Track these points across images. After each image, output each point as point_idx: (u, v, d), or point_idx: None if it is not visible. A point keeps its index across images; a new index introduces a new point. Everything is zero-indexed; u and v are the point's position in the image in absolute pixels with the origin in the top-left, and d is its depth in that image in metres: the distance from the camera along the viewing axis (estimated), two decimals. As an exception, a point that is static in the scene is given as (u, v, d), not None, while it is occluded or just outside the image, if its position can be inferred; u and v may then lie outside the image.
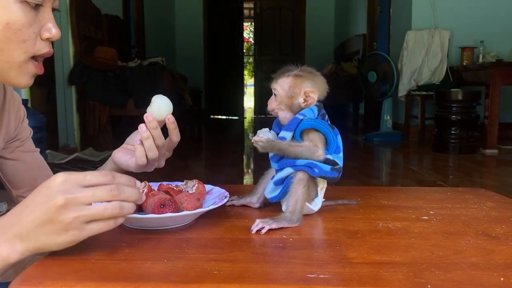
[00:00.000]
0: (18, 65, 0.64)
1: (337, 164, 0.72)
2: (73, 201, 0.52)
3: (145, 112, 0.71)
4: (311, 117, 0.71)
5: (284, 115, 0.74)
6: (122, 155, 0.79)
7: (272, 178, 0.75)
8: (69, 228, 0.52)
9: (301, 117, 0.71)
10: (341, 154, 0.73)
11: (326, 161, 0.71)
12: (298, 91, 0.72)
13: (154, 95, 0.74)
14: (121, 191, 0.54)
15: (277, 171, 0.74)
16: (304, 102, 0.72)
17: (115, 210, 0.54)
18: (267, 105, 0.75)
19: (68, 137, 4.03)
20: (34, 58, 0.66)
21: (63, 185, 0.52)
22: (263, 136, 0.71)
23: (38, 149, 0.92)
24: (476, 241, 0.62)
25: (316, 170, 0.70)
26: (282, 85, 0.73)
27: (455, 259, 0.55)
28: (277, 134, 0.74)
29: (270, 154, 0.74)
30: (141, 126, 0.71)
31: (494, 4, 4.92)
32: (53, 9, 0.67)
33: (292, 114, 0.73)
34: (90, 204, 0.53)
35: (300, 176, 0.70)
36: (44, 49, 0.66)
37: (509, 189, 2.71)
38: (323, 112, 0.73)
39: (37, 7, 0.63)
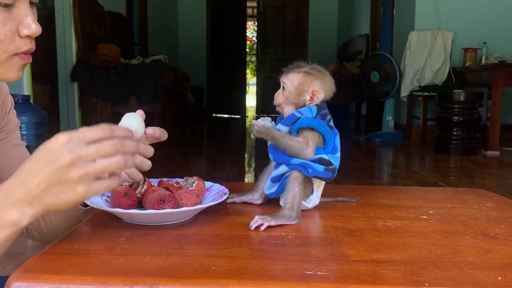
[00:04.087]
0: (2, 63, 0.63)
1: (331, 164, 0.72)
2: (79, 160, 0.51)
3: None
4: (308, 116, 0.72)
5: (289, 110, 0.74)
6: None
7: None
8: (77, 186, 0.52)
9: (298, 114, 0.72)
10: (337, 154, 0.73)
11: (321, 161, 0.71)
12: (307, 88, 0.73)
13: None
14: (123, 145, 0.54)
15: (275, 166, 0.75)
16: (309, 100, 0.73)
17: (119, 164, 0.53)
18: (273, 99, 0.75)
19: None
20: (17, 54, 0.64)
21: (67, 145, 0.52)
22: (261, 121, 0.72)
23: (24, 143, 0.88)
24: (474, 240, 0.62)
25: (310, 170, 0.71)
26: (291, 81, 0.73)
27: (453, 258, 0.55)
28: None
29: (269, 142, 0.74)
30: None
31: (498, 6, 4.91)
32: (32, 3, 0.64)
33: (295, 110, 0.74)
34: (95, 160, 0.52)
35: (295, 174, 0.71)
36: (25, 46, 0.64)
37: (510, 191, 2.70)
38: (324, 112, 0.73)
39: (8, 6, 0.61)
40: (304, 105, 0.73)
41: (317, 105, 0.73)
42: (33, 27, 0.63)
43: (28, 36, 0.64)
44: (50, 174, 0.52)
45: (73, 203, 0.53)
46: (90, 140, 0.53)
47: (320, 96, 0.72)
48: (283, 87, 0.74)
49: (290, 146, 0.70)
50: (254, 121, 0.72)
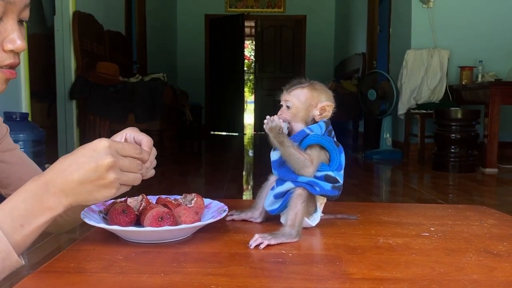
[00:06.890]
0: None
1: (338, 181, 0.71)
2: (117, 165, 0.59)
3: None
4: (318, 133, 0.71)
5: (298, 128, 0.73)
6: None
7: (272, 189, 0.74)
8: (111, 186, 0.59)
9: (308, 131, 0.71)
10: (342, 172, 0.73)
11: (327, 178, 0.70)
12: (314, 103, 0.72)
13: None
14: (143, 168, 0.64)
15: (277, 183, 0.73)
16: (319, 115, 0.72)
17: (139, 181, 0.64)
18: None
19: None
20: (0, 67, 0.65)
21: (109, 150, 0.59)
22: (282, 122, 0.69)
23: (17, 146, 0.89)
24: (477, 258, 0.61)
25: (317, 189, 0.70)
26: (298, 97, 0.72)
27: (457, 276, 0.54)
28: None
29: (272, 158, 0.73)
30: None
31: (493, 24, 4.98)
32: (21, 21, 0.66)
33: (304, 126, 0.72)
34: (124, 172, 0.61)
35: (299, 191, 0.70)
36: (8, 60, 0.65)
37: (509, 208, 2.69)
38: (330, 128, 0.73)
39: None
40: (313, 121, 0.72)
41: (325, 121, 0.72)
42: (18, 43, 0.64)
43: (12, 51, 0.65)
44: (90, 171, 0.58)
45: (100, 201, 0.61)
46: (125, 154, 0.62)
47: (331, 109, 0.72)
48: (288, 106, 0.72)
49: (295, 158, 0.69)
50: (275, 117, 0.69)
